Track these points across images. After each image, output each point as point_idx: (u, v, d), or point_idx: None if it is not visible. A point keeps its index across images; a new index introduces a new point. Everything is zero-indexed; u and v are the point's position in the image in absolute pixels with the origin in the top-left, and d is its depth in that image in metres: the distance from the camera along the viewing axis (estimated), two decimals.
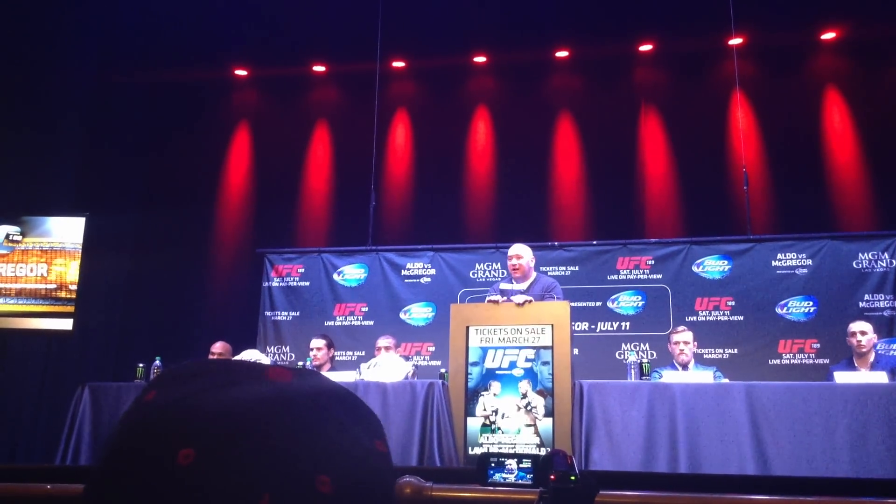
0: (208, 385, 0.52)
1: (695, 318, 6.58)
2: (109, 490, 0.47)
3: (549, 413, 4.39)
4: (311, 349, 5.72)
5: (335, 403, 0.55)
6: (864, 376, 4.60)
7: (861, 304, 6.37)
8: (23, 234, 6.66)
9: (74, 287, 6.64)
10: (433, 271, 7.19)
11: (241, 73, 8.59)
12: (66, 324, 6.59)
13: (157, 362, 5.14)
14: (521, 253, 5.13)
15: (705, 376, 4.89)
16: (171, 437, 0.48)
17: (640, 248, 6.94)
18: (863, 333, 5.10)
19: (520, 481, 1.10)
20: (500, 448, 4.36)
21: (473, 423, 4.49)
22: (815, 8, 7.29)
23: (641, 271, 6.85)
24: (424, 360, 6.92)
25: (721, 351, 6.50)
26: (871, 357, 5.07)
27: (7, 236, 6.62)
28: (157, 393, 0.53)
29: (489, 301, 4.82)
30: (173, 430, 0.48)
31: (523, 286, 5.01)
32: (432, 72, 8.37)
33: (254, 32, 8.00)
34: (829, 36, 7.55)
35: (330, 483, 0.49)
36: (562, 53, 8.08)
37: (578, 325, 6.59)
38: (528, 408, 4.44)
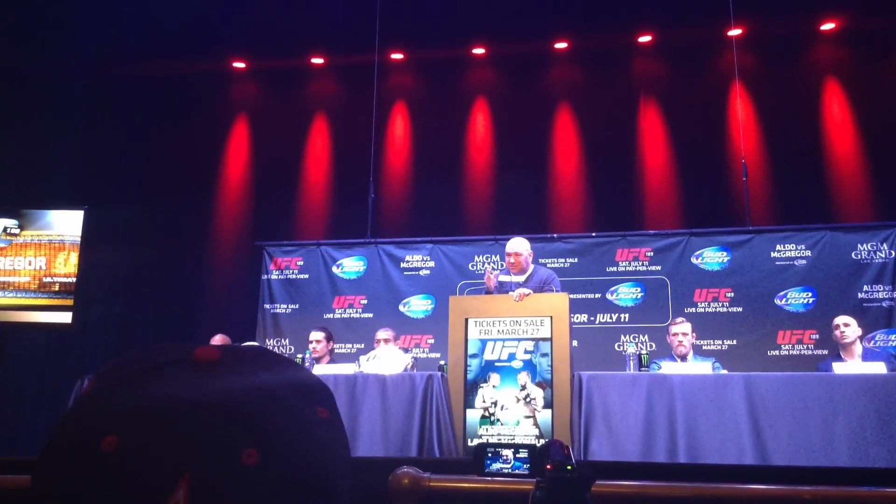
0: (134, 372, 0.53)
1: (694, 309, 6.59)
2: (41, 481, 0.49)
3: (549, 404, 4.40)
4: (311, 342, 5.72)
5: (267, 375, 0.55)
6: (863, 367, 4.61)
7: (860, 295, 6.38)
8: (21, 227, 6.66)
9: (74, 280, 6.64)
10: (432, 263, 7.19)
11: (239, 65, 8.57)
12: (66, 317, 6.59)
13: None
14: (520, 250, 5.11)
15: (704, 367, 4.91)
16: (95, 426, 0.48)
17: (639, 240, 6.95)
18: (846, 325, 5.08)
19: (516, 471, 1.10)
20: (499, 439, 4.37)
21: (473, 415, 4.50)
22: None
23: (640, 263, 6.86)
24: (424, 352, 6.93)
25: (720, 342, 6.52)
26: (858, 350, 5.06)
27: (4, 229, 6.62)
28: (92, 385, 0.53)
29: (488, 276, 4.85)
30: (97, 419, 0.49)
31: (521, 278, 5.02)
32: (431, 63, 8.35)
33: (251, 24, 7.98)
34: (828, 26, 7.53)
35: (257, 455, 0.49)
36: (561, 45, 8.06)
37: (577, 317, 6.60)
38: (528, 399, 4.45)
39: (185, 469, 0.47)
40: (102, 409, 0.50)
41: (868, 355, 5.07)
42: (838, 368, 4.60)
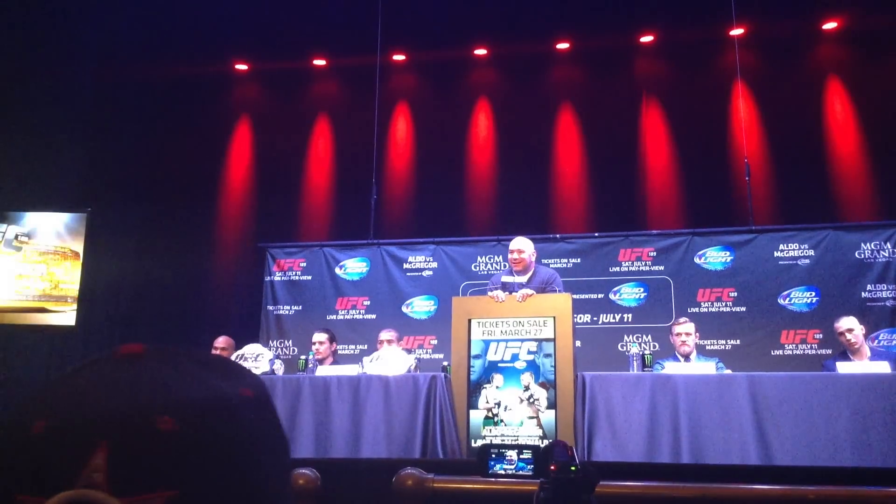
0: (67, 371, 0.58)
1: (697, 309, 6.57)
2: None
3: (552, 405, 4.40)
4: (314, 343, 5.73)
5: (189, 361, 0.59)
6: (867, 366, 4.60)
7: (863, 295, 6.37)
8: (28, 234, 6.70)
9: (77, 282, 6.67)
10: (435, 264, 7.19)
11: (241, 67, 8.58)
12: (69, 319, 6.62)
13: None
14: (524, 248, 5.12)
15: (707, 367, 4.90)
16: (27, 414, 0.54)
17: (642, 240, 6.94)
18: (849, 331, 4.99)
19: (520, 472, 1.10)
20: (502, 440, 4.37)
21: (476, 416, 4.50)
22: None
23: (643, 263, 6.85)
24: (427, 353, 6.93)
25: (723, 342, 6.50)
26: (867, 352, 5.01)
27: (16, 237, 6.66)
28: (31, 391, 0.59)
29: (490, 296, 4.82)
30: (29, 409, 0.54)
31: (524, 279, 5.01)
32: (433, 64, 8.35)
33: (253, 26, 7.99)
34: (830, 26, 7.52)
35: (172, 422, 0.52)
36: (562, 45, 8.06)
37: (580, 318, 6.59)
38: (531, 400, 4.45)
39: (103, 438, 0.50)
40: (35, 402, 0.55)
41: (875, 355, 5.03)
42: (842, 368, 4.58)
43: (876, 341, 6.14)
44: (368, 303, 7.21)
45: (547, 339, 4.51)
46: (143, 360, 0.57)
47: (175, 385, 0.55)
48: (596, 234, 7.08)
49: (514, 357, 4.53)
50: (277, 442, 0.59)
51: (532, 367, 4.49)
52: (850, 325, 5.03)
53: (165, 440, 0.51)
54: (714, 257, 6.73)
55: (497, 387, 4.51)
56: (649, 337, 6.64)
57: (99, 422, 0.51)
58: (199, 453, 0.52)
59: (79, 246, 6.78)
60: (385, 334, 5.62)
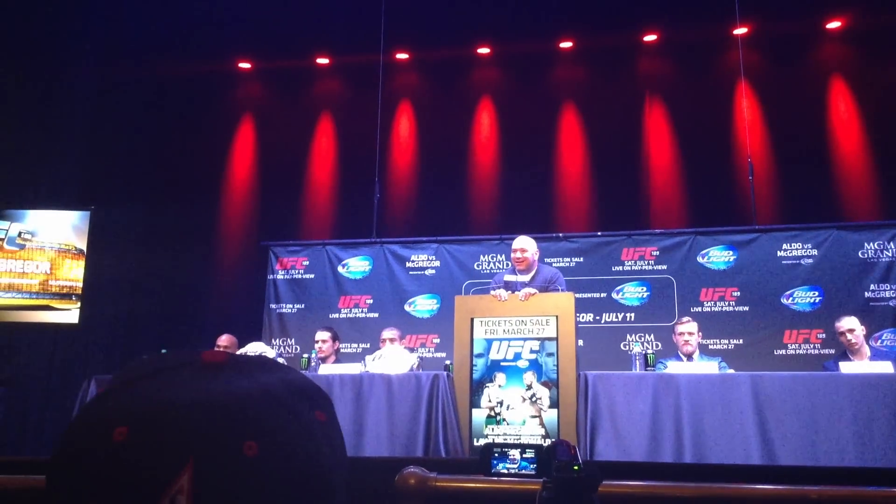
0: (146, 372, 0.57)
1: (700, 308, 6.57)
2: (56, 469, 0.52)
3: (555, 404, 4.40)
4: (317, 341, 5.73)
5: (269, 378, 0.59)
6: (870, 366, 4.59)
7: (867, 294, 6.36)
8: (31, 231, 6.71)
9: (80, 280, 6.68)
10: (438, 263, 7.19)
11: (244, 65, 8.58)
12: (73, 316, 6.63)
13: None
14: (527, 246, 5.12)
15: (710, 367, 4.89)
16: (108, 418, 0.52)
17: (645, 239, 6.93)
18: (850, 331, 4.98)
19: (523, 471, 1.10)
20: (505, 439, 4.37)
21: (478, 415, 4.50)
22: None
23: (646, 262, 6.84)
24: (429, 351, 6.93)
25: (726, 341, 6.50)
26: (867, 352, 5.01)
27: (19, 234, 6.67)
28: (107, 386, 0.58)
29: (493, 295, 4.82)
30: (110, 413, 0.53)
31: (526, 277, 5.01)
32: (436, 63, 8.35)
33: (257, 25, 7.99)
34: (834, 25, 7.50)
35: (257, 447, 0.52)
36: (566, 44, 8.05)
37: (583, 317, 6.59)
38: (533, 399, 4.45)
39: (190, 457, 0.50)
40: (115, 403, 0.54)
41: (876, 355, 5.03)
42: (845, 368, 4.58)
43: (879, 341, 6.14)
44: (371, 301, 7.22)
45: (549, 338, 4.51)
46: (225, 371, 0.57)
47: (258, 405, 0.55)
48: (599, 233, 7.08)
49: (517, 356, 4.53)
50: (343, 463, 0.60)
51: (534, 366, 4.49)
52: (850, 325, 5.02)
53: (249, 466, 0.51)
54: (717, 257, 6.72)
55: (499, 386, 4.51)
56: (652, 336, 6.63)
57: (187, 439, 0.51)
58: (277, 481, 0.52)
59: (82, 244, 6.79)
60: (387, 333, 5.63)
